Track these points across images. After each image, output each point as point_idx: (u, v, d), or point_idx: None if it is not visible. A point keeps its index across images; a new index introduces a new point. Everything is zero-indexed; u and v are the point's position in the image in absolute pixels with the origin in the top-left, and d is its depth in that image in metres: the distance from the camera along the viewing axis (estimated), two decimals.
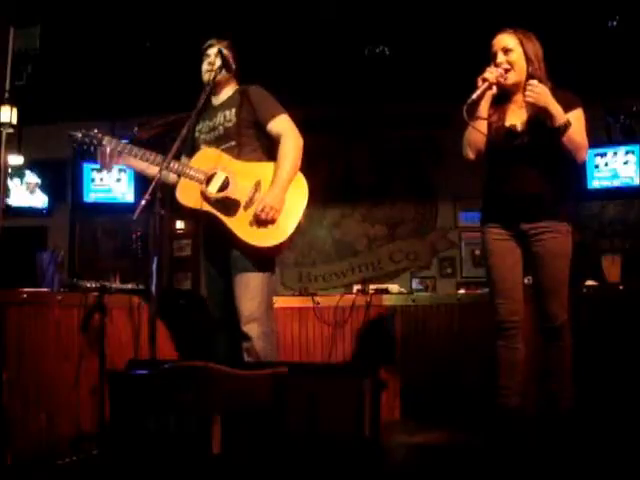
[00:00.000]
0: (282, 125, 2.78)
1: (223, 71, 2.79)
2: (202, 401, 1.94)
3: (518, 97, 2.65)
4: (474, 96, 2.53)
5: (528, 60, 2.59)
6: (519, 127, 2.62)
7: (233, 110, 2.81)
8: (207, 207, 2.69)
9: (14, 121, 4.38)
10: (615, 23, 4.38)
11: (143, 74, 5.14)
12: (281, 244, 2.70)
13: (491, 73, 2.55)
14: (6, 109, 4.31)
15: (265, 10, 4.34)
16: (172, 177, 2.81)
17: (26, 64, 4.52)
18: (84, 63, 5.01)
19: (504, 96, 2.65)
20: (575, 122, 2.53)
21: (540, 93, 2.46)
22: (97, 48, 4.79)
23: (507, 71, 2.58)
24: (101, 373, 2.96)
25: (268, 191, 2.68)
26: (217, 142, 2.82)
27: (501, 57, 2.58)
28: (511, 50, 2.58)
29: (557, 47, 4.32)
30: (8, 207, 5.49)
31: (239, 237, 2.66)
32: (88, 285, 3.19)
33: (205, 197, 2.69)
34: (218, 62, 2.79)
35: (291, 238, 2.70)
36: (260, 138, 2.82)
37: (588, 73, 4.97)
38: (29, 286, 3.16)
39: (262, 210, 2.64)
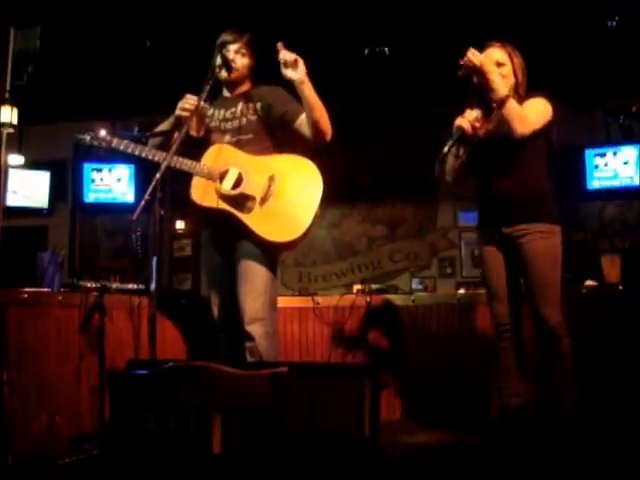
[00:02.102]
0: None
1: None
2: (202, 401, 1.94)
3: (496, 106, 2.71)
4: (445, 149, 2.67)
5: (515, 75, 2.69)
6: (483, 128, 2.71)
7: (258, 104, 2.80)
8: (223, 205, 2.67)
9: (14, 121, 4.38)
10: (614, 23, 4.38)
11: (143, 74, 5.14)
12: (298, 238, 2.68)
13: (468, 121, 2.66)
14: (6, 109, 4.31)
15: (265, 10, 4.33)
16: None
17: (26, 64, 4.52)
18: (84, 63, 5.01)
19: (482, 105, 2.73)
20: (529, 102, 2.62)
21: (476, 56, 2.52)
22: (97, 48, 4.79)
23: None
24: (101, 373, 2.97)
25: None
26: (234, 132, 2.80)
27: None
28: (503, 64, 2.68)
29: (557, 48, 4.35)
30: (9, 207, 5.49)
31: (257, 233, 2.64)
32: (88, 285, 3.19)
33: (220, 195, 2.67)
34: (239, 60, 2.80)
35: (307, 232, 2.68)
36: (274, 137, 2.81)
37: (588, 74, 4.97)
38: (29, 286, 3.16)
39: (291, 54, 2.55)
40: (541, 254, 2.61)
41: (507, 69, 2.66)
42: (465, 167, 2.76)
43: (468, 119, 2.66)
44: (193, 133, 2.75)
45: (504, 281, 2.71)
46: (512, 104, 2.53)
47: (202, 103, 2.69)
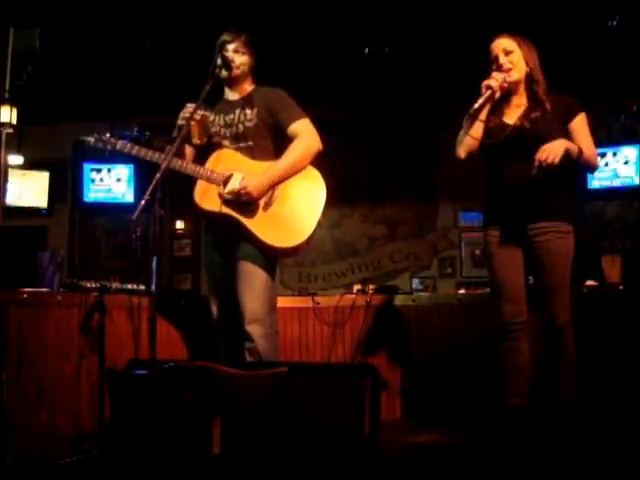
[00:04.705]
0: (302, 127, 2.76)
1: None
2: (202, 401, 1.94)
3: (517, 98, 2.71)
4: (477, 105, 2.59)
5: (527, 61, 2.67)
6: (516, 122, 2.67)
7: (255, 110, 2.80)
8: (226, 210, 2.69)
9: (14, 121, 4.39)
10: (615, 23, 4.38)
11: (143, 74, 5.14)
12: (300, 244, 2.69)
13: (496, 80, 2.61)
14: (6, 109, 4.31)
15: (265, 10, 4.33)
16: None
17: (26, 64, 4.53)
18: (84, 63, 5.01)
19: (502, 97, 2.69)
20: (580, 130, 2.62)
21: (551, 152, 2.49)
22: (97, 48, 4.79)
23: (509, 70, 2.65)
24: (101, 373, 2.96)
25: (255, 177, 2.67)
26: (233, 139, 2.81)
27: (503, 58, 2.66)
28: (511, 52, 2.66)
29: (558, 47, 4.35)
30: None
31: (260, 238, 2.66)
32: (88, 285, 3.19)
33: (224, 199, 2.69)
34: (238, 59, 2.80)
35: (310, 239, 2.69)
36: (275, 142, 2.81)
37: (588, 73, 4.98)
38: (29, 286, 3.16)
39: (239, 190, 2.64)
40: (559, 253, 2.61)
41: (516, 56, 2.65)
42: (482, 151, 2.70)
43: (496, 79, 2.61)
44: (196, 141, 2.77)
45: (520, 279, 2.68)
46: (584, 155, 2.58)
47: (202, 111, 2.71)
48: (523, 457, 2.46)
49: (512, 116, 2.69)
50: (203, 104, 2.70)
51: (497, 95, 2.62)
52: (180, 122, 2.72)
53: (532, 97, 2.67)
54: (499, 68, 2.64)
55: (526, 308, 2.68)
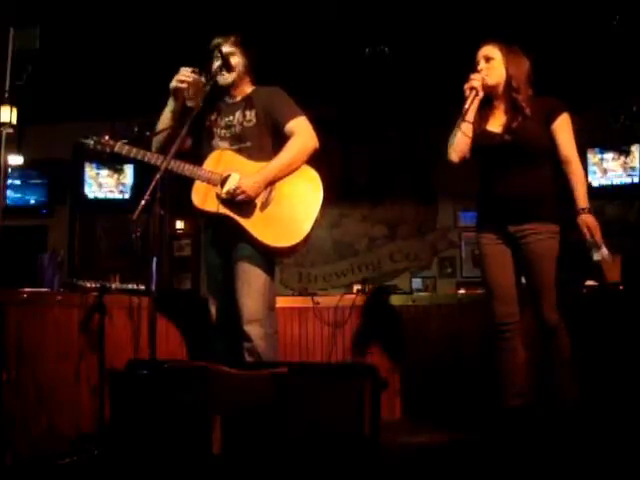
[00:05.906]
0: (298, 126, 2.76)
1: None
2: (202, 401, 1.94)
3: (499, 103, 2.74)
4: (466, 107, 2.64)
5: (507, 68, 2.68)
6: (499, 130, 2.70)
7: (254, 111, 2.80)
8: (223, 210, 2.69)
9: (14, 121, 4.38)
10: (615, 23, 4.38)
11: (143, 74, 5.14)
12: (297, 244, 2.70)
13: (477, 80, 2.65)
14: (6, 109, 4.31)
15: (265, 10, 4.33)
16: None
17: (26, 64, 4.53)
18: (84, 63, 5.01)
19: (486, 101, 2.74)
20: (562, 131, 2.66)
21: (595, 228, 2.61)
22: (97, 48, 4.79)
23: (486, 75, 2.68)
24: (101, 373, 2.96)
25: (251, 176, 2.67)
26: (233, 140, 2.81)
27: (482, 64, 2.71)
28: (492, 58, 2.70)
29: (558, 47, 4.36)
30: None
31: (257, 238, 2.66)
32: (88, 285, 3.19)
33: (221, 200, 2.69)
34: (232, 60, 2.79)
35: (307, 238, 2.70)
36: (274, 142, 2.81)
37: (589, 73, 4.98)
38: (29, 286, 3.15)
39: (234, 190, 2.65)
40: (547, 254, 2.63)
41: (496, 62, 2.68)
42: (473, 156, 2.74)
43: (477, 79, 2.64)
44: (190, 104, 2.75)
45: (510, 281, 2.71)
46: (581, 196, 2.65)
47: (197, 75, 2.72)
48: (523, 457, 2.46)
49: (494, 124, 2.73)
50: (198, 69, 2.71)
51: (481, 94, 2.66)
52: (175, 84, 2.73)
53: (512, 104, 2.69)
54: (478, 73, 2.68)
55: (518, 309, 2.70)
